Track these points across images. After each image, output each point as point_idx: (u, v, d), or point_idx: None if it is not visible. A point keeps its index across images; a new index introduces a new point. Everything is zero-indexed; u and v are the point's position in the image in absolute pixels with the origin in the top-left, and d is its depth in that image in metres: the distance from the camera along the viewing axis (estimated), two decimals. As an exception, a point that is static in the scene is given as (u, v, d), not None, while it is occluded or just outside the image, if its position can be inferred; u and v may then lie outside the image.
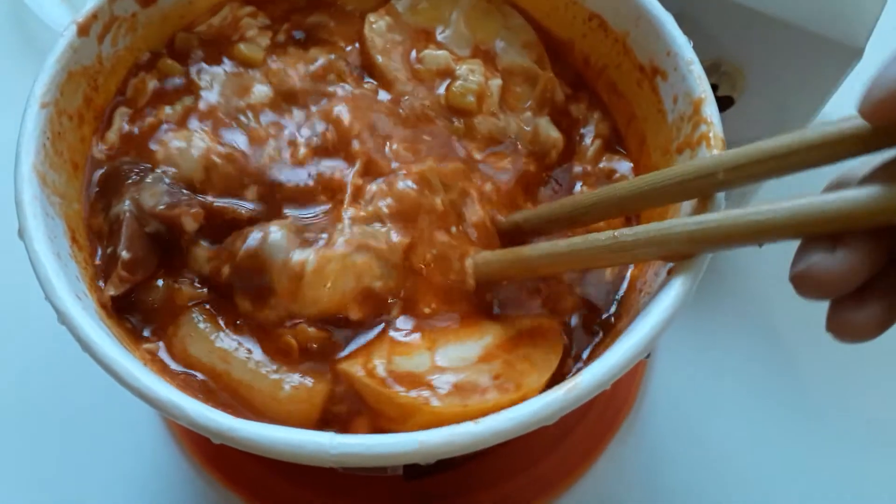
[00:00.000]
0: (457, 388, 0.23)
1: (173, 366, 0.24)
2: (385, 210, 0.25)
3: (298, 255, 0.24)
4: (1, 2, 0.45)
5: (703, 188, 0.23)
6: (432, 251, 0.25)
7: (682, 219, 0.22)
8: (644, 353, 0.21)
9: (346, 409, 0.24)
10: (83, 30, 0.26)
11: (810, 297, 0.19)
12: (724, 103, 0.35)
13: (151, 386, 0.21)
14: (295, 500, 0.32)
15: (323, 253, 0.24)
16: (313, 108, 0.28)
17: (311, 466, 0.32)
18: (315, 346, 0.24)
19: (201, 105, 0.28)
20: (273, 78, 0.29)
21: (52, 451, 0.33)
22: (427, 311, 0.25)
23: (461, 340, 0.24)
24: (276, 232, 0.25)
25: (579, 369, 0.23)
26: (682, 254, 0.22)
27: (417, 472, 0.32)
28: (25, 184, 0.23)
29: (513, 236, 0.27)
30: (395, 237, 0.25)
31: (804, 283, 0.19)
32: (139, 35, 0.29)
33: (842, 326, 0.19)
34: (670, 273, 0.23)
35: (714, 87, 0.34)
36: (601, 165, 0.29)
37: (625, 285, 0.27)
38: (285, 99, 0.29)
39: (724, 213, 0.21)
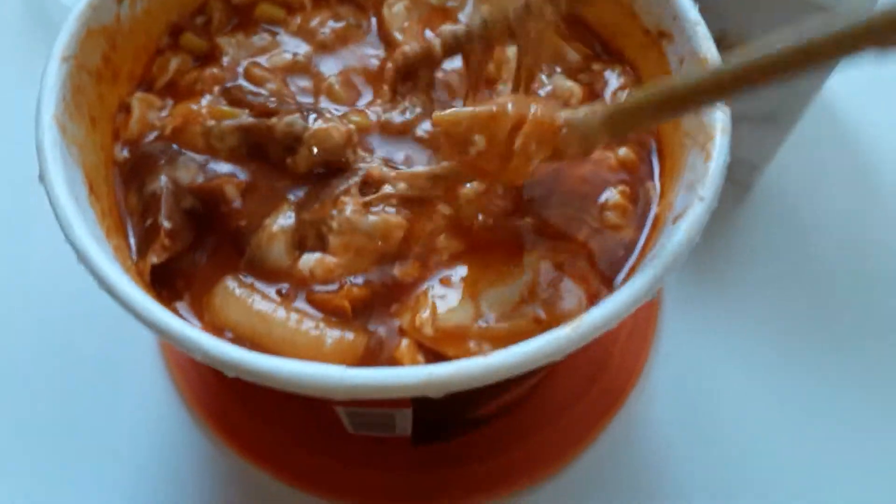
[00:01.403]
0: (503, 338, 0.23)
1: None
2: None
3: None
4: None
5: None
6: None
7: None
8: (650, 295, 0.22)
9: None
10: (102, -11, 0.27)
11: None
12: (729, 77, 0.36)
13: (166, 319, 0.21)
14: (303, 465, 0.33)
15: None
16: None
17: (319, 431, 0.33)
18: (360, 305, 0.25)
19: (227, 75, 0.29)
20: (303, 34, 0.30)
21: (56, 407, 0.34)
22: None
23: (503, 281, 0.25)
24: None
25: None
26: None
27: (425, 437, 0.32)
28: (46, 132, 0.24)
29: None
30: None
31: None
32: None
33: None
34: (676, 220, 0.23)
35: (720, 61, 0.35)
36: None
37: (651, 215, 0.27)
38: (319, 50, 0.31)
39: None
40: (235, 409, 0.33)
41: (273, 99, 0.29)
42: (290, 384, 0.20)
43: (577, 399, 0.34)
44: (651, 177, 0.28)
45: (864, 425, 0.34)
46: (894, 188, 0.40)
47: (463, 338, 0.23)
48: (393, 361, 0.23)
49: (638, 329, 0.36)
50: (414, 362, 0.23)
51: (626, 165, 0.28)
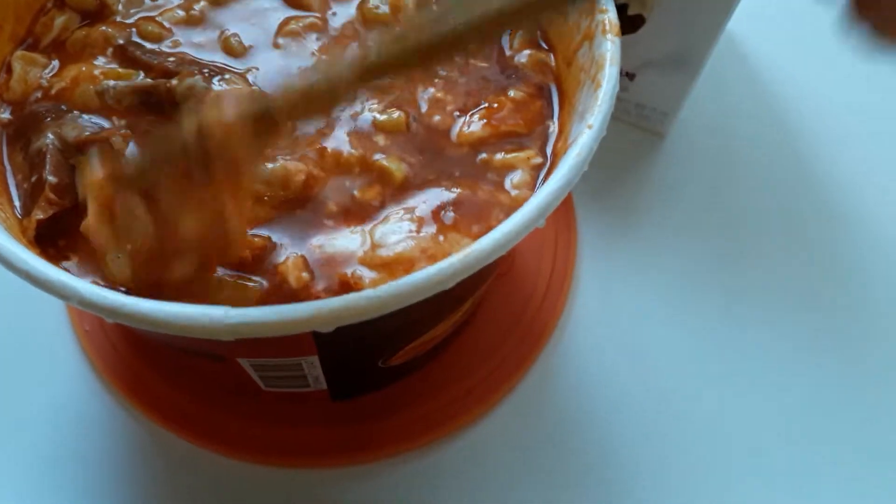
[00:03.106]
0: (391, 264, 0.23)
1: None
2: None
3: None
4: None
5: None
6: None
7: None
8: (538, 222, 0.22)
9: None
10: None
11: None
12: (635, 22, 0.36)
13: (41, 268, 0.20)
14: (220, 428, 0.32)
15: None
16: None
17: (235, 393, 0.32)
18: (260, 254, 0.24)
19: (118, 33, 0.28)
20: None
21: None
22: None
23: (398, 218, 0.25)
24: None
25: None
26: None
27: (343, 392, 0.32)
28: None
29: None
30: None
31: None
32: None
33: None
34: (572, 143, 0.23)
35: (624, 7, 0.35)
36: (527, 57, 0.29)
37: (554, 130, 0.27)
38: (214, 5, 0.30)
39: None
40: (148, 376, 0.33)
41: (172, 59, 0.28)
42: (172, 326, 0.20)
43: (496, 348, 0.34)
44: (551, 117, 0.28)
45: (777, 359, 0.35)
46: (803, 125, 0.41)
47: (347, 263, 0.23)
48: (276, 273, 0.23)
49: (556, 275, 0.36)
50: (299, 278, 0.23)
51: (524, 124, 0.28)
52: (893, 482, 0.32)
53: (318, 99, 0.21)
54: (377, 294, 0.20)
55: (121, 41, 0.29)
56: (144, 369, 0.33)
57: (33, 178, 0.25)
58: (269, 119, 0.21)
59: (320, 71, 0.21)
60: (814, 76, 0.43)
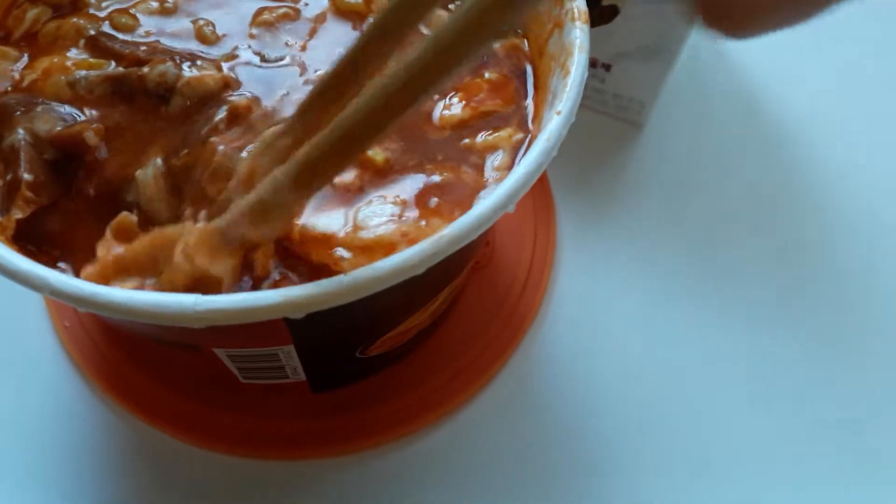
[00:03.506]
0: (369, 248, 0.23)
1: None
2: None
3: None
4: None
5: None
6: None
7: None
8: (507, 206, 0.22)
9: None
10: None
11: None
12: (609, 13, 0.36)
13: (11, 259, 0.20)
14: (200, 422, 0.32)
15: None
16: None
17: (214, 386, 0.32)
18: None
19: (90, 24, 0.28)
20: None
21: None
22: None
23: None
24: None
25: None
26: None
27: (322, 383, 0.32)
28: None
29: None
30: None
31: None
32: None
33: None
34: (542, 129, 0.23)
35: (599, -2, 0.36)
36: (500, 42, 0.29)
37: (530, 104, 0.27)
38: None
39: None
40: (128, 370, 0.33)
41: (144, 48, 0.28)
42: (142, 314, 0.20)
43: (476, 339, 0.34)
44: (526, 97, 0.28)
45: (755, 347, 0.35)
46: (779, 114, 0.42)
47: (328, 244, 0.23)
48: (249, 263, 0.23)
49: (535, 266, 0.36)
50: (265, 265, 0.23)
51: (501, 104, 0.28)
52: (872, 468, 0.33)
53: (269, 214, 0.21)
54: (347, 279, 0.20)
55: (92, 32, 0.29)
56: (124, 364, 0.33)
57: (8, 177, 0.25)
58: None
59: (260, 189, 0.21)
60: (789, 64, 0.43)
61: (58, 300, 0.20)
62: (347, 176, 0.25)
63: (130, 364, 0.33)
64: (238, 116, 0.26)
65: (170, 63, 0.27)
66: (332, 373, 0.31)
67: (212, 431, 0.32)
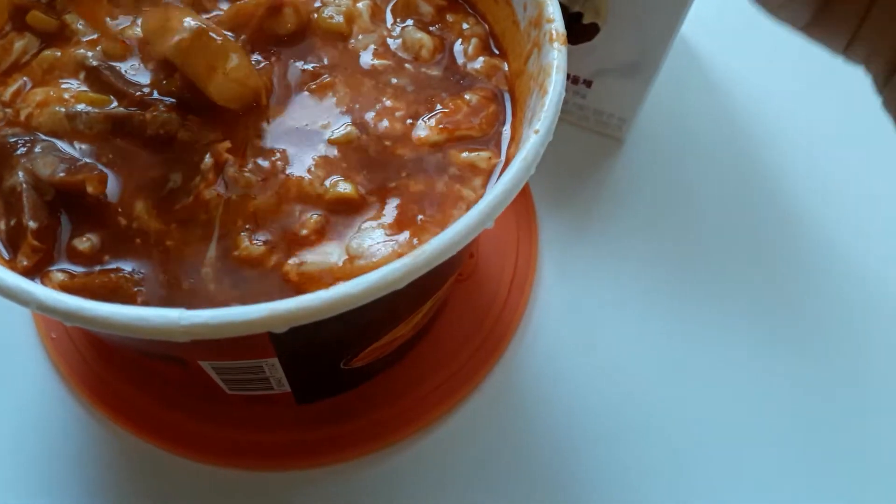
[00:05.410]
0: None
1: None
2: None
3: None
4: None
5: None
6: None
7: None
8: (486, 223, 0.22)
9: None
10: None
11: None
12: (590, 31, 0.37)
13: (-1, 275, 0.21)
14: (187, 433, 0.32)
15: None
16: None
17: (201, 398, 0.33)
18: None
19: (80, 54, 0.28)
20: None
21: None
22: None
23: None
24: None
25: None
26: None
27: (307, 395, 0.32)
28: None
29: None
30: None
31: None
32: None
33: None
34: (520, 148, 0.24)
35: (579, 15, 0.37)
36: (481, 63, 0.30)
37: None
38: None
39: None
40: (115, 382, 0.33)
41: (146, 88, 0.28)
42: (128, 328, 0.20)
43: (460, 350, 0.35)
44: (504, 122, 0.29)
45: (736, 355, 0.36)
46: (757, 127, 0.43)
47: (328, 279, 0.24)
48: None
49: (518, 278, 0.37)
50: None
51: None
52: (857, 470, 0.33)
53: None
54: (330, 295, 0.21)
55: (94, 63, 0.28)
56: (111, 376, 0.33)
57: (12, 222, 0.25)
58: None
59: None
60: (767, 77, 0.44)
61: (45, 315, 0.21)
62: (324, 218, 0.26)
63: (117, 375, 0.33)
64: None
65: (173, 113, 0.27)
66: (317, 384, 0.32)
67: (198, 442, 0.32)
